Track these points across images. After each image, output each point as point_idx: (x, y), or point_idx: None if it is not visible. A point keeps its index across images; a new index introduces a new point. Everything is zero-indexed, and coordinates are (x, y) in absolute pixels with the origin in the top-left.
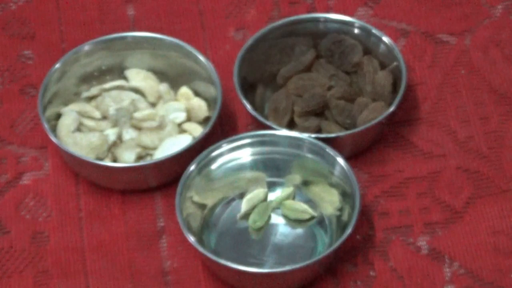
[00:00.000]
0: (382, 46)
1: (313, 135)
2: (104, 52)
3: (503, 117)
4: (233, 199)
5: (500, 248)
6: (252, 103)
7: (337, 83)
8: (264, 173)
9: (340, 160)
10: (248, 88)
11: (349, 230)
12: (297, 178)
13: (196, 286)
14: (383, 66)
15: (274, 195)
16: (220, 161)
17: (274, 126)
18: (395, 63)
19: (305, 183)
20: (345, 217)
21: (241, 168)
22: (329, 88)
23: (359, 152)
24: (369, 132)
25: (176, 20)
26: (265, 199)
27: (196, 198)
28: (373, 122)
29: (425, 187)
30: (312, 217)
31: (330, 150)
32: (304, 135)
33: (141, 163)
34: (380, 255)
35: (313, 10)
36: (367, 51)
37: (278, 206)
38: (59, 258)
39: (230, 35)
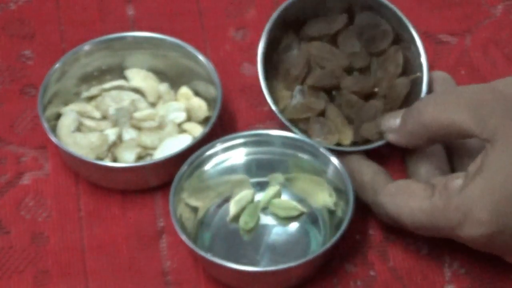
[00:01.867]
0: (412, 48)
1: (309, 139)
2: (104, 52)
3: None
4: (225, 201)
5: None
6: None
7: (356, 63)
8: (256, 174)
9: (334, 160)
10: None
11: (343, 227)
12: (280, 176)
13: (196, 286)
14: (406, 64)
15: (261, 195)
16: (213, 161)
17: (286, 123)
18: (418, 74)
19: (289, 180)
20: (339, 213)
21: (233, 168)
22: (346, 70)
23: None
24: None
25: (176, 20)
26: (252, 200)
27: (188, 201)
28: (371, 145)
29: None
30: (302, 213)
31: (323, 150)
32: (298, 136)
33: (141, 163)
34: (380, 255)
35: None
36: (396, 41)
37: (266, 205)
38: (59, 258)
39: (230, 35)
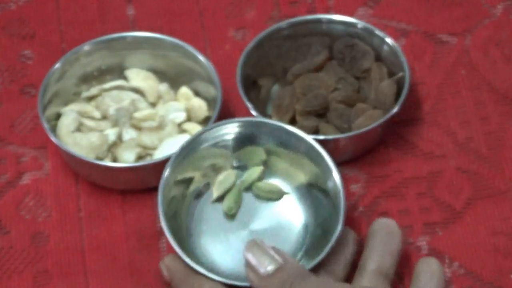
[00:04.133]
0: (393, 57)
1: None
2: (104, 52)
3: (503, 117)
4: (208, 183)
5: (500, 248)
6: (256, 98)
7: (344, 86)
8: (240, 148)
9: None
10: (251, 84)
11: (335, 235)
12: (261, 150)
13: None
14: (392, 74)
15: (244, 176)
16: (204, 139)
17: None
18: (400, 74)
19: (272, 155)
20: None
21: (221, 144)
22: (334, 90)
23: (355, 156)
24: (362, 138)
25: (176, 20)
26: (235, 181)
27: (178, 177)
28: (364, 129)
29: (425, 187)
30: (284, 194)
31: (321, 151)
32: (293, 129)
33: (141, 163)
34: None
35: (313, 10)
36: (378, 58)
37: (249, 187)
38: (59, 258)
39: (230, 35)
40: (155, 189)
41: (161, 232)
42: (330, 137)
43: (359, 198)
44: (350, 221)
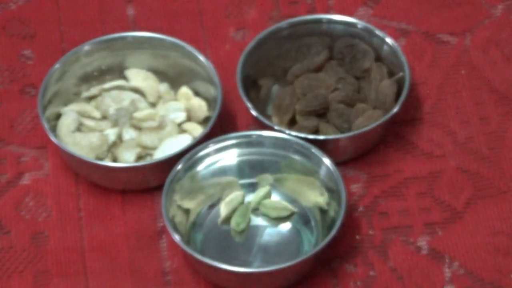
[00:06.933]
0: (393, 57)
1: (305, 136)
2: (104, 52)
3: (503, 117)
4: (216, 203)
5: (500, 248)
6: (256, 98)
7: (344, 86)
8: (248, 175)
9: (326, 161)
10: (251, 84)
11: (335, 230)
12: (269, 177)
13: (196, 286)
14: (392, 74)
15: (252, 196)
16: (205, 162)
17: (274, 126)
18: (401, 74)
19: (279, 180)
20: (331, 213)
21: (224, 170)
22: (334, 90)
23: (355, 156)
24: (362, 138)
25: (176, 20)
26: (243, 201)
27: (181, 203)
28: (364, 129)
29: (425, 187)
30: (293, 213)
31: (315, 151)
32: (290, 136)
33: (141, 163)
34: (380, 255)
35: (313, 10)
36: (378, 58)
37: (257, 206)
38: (59, 258)
39: (230, 35)
40: (155, 189)
41: (161, 232)
42: (330, 137)
43: (359, 198)
44: (350, 221)
